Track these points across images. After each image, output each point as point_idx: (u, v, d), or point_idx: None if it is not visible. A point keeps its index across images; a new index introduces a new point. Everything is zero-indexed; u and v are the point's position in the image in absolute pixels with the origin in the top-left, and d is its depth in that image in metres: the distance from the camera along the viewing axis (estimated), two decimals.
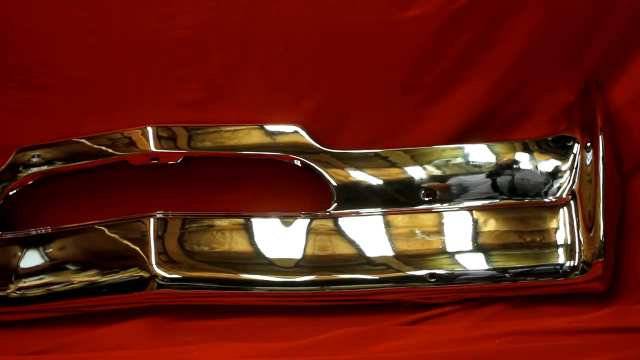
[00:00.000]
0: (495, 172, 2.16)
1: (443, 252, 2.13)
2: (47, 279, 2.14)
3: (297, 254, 2.14)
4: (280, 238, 2.16)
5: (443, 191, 2.17)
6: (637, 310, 2.05)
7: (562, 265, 2.09)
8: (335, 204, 2.17)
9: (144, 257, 2.13)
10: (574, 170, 2.13)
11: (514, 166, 2.16)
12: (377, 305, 2.14)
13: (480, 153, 2.17)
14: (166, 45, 2.18)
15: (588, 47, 2.18)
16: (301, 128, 2.19)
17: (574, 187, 2.13)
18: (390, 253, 2.13)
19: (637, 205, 2.17)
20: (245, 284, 2.13)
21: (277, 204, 2.21)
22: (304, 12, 2.16)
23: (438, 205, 2.16)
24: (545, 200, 2.14)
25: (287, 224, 2.16)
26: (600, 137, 2.09)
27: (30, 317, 2.16)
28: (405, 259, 2.13)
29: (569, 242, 2.10)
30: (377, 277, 2.12)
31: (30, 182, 2.20)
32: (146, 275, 2.12)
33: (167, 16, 2.16)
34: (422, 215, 2.16)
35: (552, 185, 2.14)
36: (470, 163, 2.17)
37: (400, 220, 2.16)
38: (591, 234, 2.07)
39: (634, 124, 2.18)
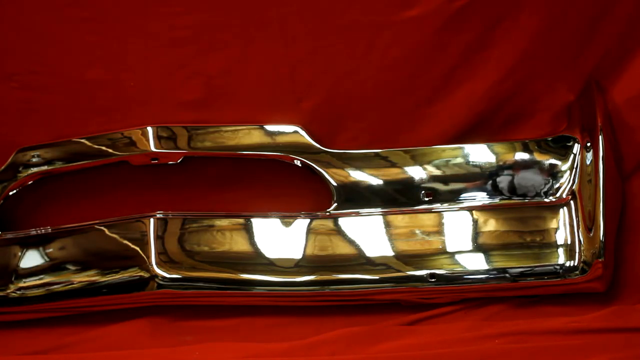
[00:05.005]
0: (495, 172, 2.16)
1: (443, 252, 2.13)
2: (47, 279, 2.14)
3: (297, 254, 2.14)
4: (280, 238, 2.15)
5: (443, 191, 2.17)
6: (637, 310, 2.05)
7: (562, 265, 2.09)
8: (335, 204, 2.17)
9: (144, 257, 2.13)
10: (574, 170, 2.13)
11: (514, 166, 2.16)
12: (377, 305, 2.14)
13: (480, 153, 2.17)
14: (166, 45, 2.18)
15: (588, 47, 2.18)
16: (301, 128, 2.19)
17: (574, 187, 2.13)
18: (390, 253, 2.13)
19: (637, 205, 2.17)
20: (245, 284, 2.13)
21: (277, 204, 2.21)
22: (304, 12, 2.16)
23: (438, 205, 2.16)
24: (545, 200, 2.14)
25: (287, 224, 2.16)
26: (600, 137, 2.09)
27: (30, 317, 2.16)
28: (405, 259, 2.13)
29: (569, 242, 2.10)
30: (377, 277, 2.12)
31: (30, 182, 2.20)
32: (146, 275, 2.12)
33: (167, 16, 2.16)
34: (422, 215, 2.16)
35: (552, 185, 2.14)
36: (470, 163, 2.17)
37: (400, 220, 2.16)
38: (591, 234, 2.07)
39: (634, 124, 2.18)
